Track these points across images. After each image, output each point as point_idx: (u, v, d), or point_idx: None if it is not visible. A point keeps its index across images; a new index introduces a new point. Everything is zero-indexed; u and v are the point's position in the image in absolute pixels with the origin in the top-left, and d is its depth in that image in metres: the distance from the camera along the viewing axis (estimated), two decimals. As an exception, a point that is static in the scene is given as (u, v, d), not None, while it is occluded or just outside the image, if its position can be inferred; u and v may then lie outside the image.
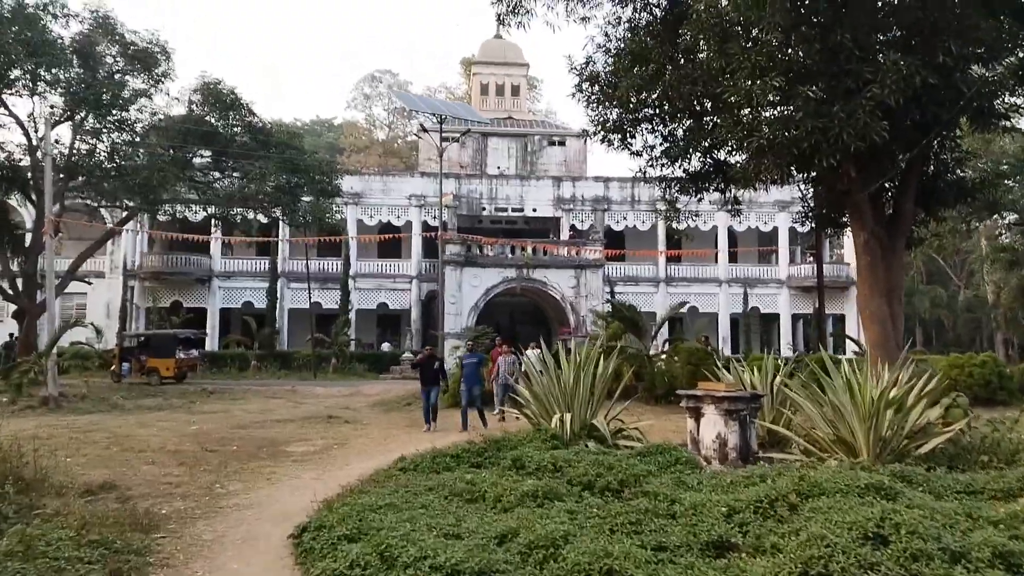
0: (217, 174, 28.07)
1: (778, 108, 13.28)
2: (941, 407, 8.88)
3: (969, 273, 54.43)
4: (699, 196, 18.91)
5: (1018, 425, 9.35)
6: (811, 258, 45.11)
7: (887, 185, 15.78)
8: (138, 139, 26.56)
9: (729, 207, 18.72)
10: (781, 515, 5.48)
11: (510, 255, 33.17)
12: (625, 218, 41.03)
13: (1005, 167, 31.34)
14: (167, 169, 25.09)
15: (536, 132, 44.64)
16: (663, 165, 18.33)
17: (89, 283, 34.41)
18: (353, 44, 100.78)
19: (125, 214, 28.21)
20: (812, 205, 18.67)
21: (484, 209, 40.18)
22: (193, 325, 34.37)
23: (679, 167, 18.22)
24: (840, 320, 43.66)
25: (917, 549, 4.60)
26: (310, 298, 35.17)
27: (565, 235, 38.94)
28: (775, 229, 41.36)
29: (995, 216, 33.56)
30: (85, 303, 39.29)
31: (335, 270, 38.85)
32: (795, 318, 42.69)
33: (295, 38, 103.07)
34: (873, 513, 5.00)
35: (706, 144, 16.84)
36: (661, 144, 18.17)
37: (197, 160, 28.48)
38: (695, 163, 18.35)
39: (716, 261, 41.51)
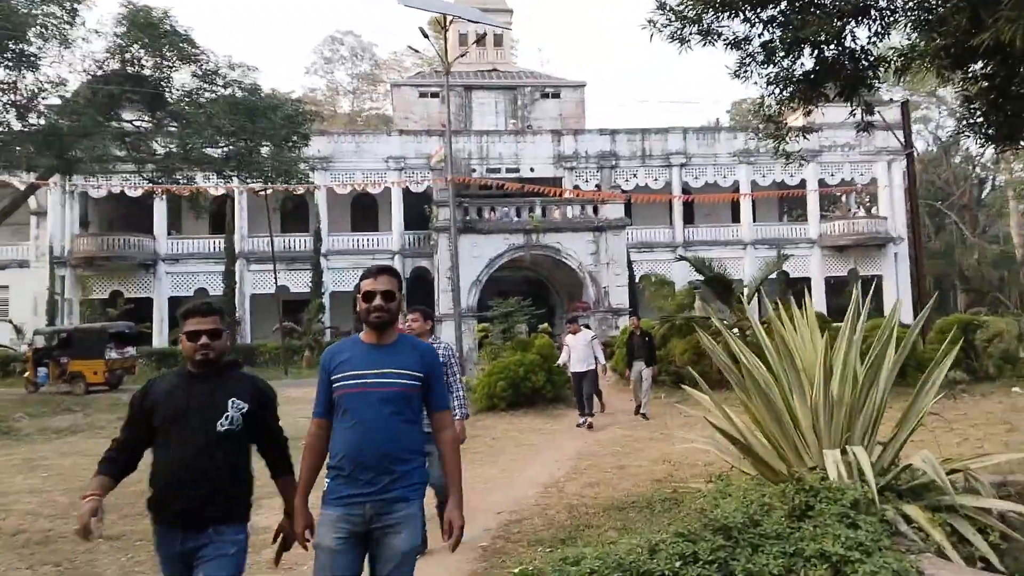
0: (150, 124, 22.25)
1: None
2: None
3: (982, 229, 50.60)
4: (809, 107, 13.99)
5: None
6: (837, 212, 40.69)
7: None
8: (48, 83, 20.74)
9: (860, 117, 13.70)
10: None
11: (516, 218, 27.83)
12: (635, 175, 35.95)
13: None
14: (85, 113, 19.41)
15: (527, 83, 39.18)
16: (758, 64, 13.37)
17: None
18: (306, 4, 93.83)
19: (35, 177, 22.25)
20: (977, 115, 13.79)
21: (474, 170, 34.74)
22: (135, 318, 28.36)
23: (784, 65, 13.24)
24: (869, 282, 39.33)
25: None
26: (276, 281, 29.62)
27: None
28: (802, 181, 36.59)
29: None
30: (7, 297, 33.23)
31: (304, 247, 33.29)
32: (827, 281, 38.04)
33: (246, 7, 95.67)
34: None
35: (837, 24, 11.85)
36: (760, 35, 13.17)
37: (126, 113, 22.73)
38: (806, 60, 13.40)
39: (739, 220, 36.71)
